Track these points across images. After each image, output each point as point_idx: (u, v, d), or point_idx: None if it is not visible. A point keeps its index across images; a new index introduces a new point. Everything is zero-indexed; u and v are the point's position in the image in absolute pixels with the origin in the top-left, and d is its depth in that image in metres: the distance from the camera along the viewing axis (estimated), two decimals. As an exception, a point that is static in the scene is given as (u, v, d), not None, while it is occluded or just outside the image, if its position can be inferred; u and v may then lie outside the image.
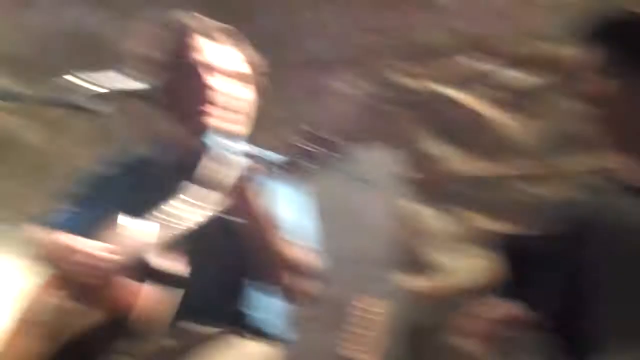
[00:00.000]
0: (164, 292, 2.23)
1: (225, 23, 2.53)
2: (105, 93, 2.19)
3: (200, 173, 2.26)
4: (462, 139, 4.27)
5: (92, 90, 2.19)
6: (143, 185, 2.49)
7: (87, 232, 2.48)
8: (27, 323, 2.45)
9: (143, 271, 2.23)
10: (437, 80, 4.35)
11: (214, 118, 2.44)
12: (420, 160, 4.31)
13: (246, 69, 2.53)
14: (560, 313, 2.33)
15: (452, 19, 4.36)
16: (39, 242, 2.52)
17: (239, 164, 2.19)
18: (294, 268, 2.37)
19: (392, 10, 4.48)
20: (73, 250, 2.26)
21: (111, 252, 2.24)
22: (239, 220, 2.26)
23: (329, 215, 4.20)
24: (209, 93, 2.44)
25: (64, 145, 5.27)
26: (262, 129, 4.49)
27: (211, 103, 2.44)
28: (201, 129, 2.44)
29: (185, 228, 2.21)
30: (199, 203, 2.23)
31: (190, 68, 2.44)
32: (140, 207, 2.37)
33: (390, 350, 3.82)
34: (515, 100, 4.20)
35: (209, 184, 2.21)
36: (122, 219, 2.30)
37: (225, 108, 2.46)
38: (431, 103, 4.35)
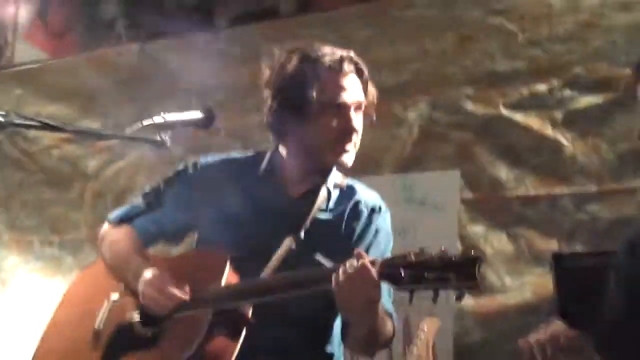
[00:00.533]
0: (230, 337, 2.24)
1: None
2: (162, 123, 2.25)
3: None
4: (525, 160, 4.24)
5: (151, 121, 2.25)
6: (236, 200, 2.48)
7: (162, 234, 2.58)
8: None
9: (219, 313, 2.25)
10: (502, 103, 4.34)
11: (347, 154, 2.44)
12: (482, 182, 4.30)
13: (364, 98, 2.50)
14: (614, 334, 2.33)
15: (521, 45, 4.37)
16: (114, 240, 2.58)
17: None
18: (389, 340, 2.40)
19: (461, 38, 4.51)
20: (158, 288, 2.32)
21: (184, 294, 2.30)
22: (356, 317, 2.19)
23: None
24: (349, 132, 2.41)
25: (120, 170, 5.36)
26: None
27: (348, 140, 2.42)
28: (331, 164, 2.47)
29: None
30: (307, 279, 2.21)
31: (328, 105, 2.40)
32: (231, 226, 2.43)
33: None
34: (577, 121, 4.18)
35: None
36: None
37: (354, 143, 2.46)
38: (495, 126, 4.34)
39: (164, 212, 2.56)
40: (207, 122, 2.39)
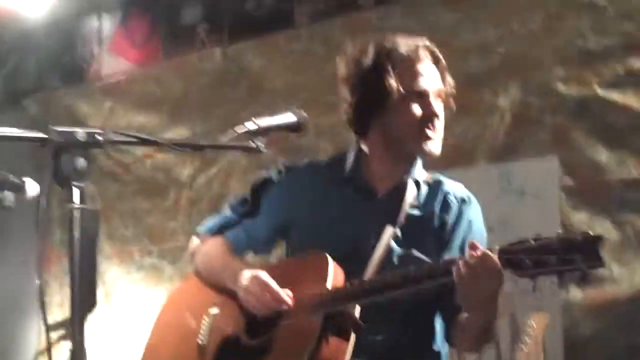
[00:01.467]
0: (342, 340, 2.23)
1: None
2: (256, 130, 2.24)
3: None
4: (625, 141, 4.10)
5: (244, 128, 2.24)
6: (326, 201, 2.48)
7: (254, 242, 2.57)
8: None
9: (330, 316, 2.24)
10: (596, 83, 4.20)
11: (432, 141, 2.42)
12: (582, 167, 4.17)
13: (443, 86, 2.47)
14: None
15: (612, 20, 4.21)
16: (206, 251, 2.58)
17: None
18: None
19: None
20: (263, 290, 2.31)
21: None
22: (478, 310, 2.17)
23: (488, 229, 4.17)
24: (431, 118, 2.40)
25: (213, 177, 5.39)
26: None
27: (432, 127, 2.41)
28: (416, 153, 2.45)
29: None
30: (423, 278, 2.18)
31: (408, 94, 2.39)
32: (324, 226, 2.43)
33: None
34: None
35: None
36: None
37: (438, 130, 2.44)
38: (591, 107, 4.20)
39: (254, 221, 2.57)
40: (299, 125, 2.35)
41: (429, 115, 2.38)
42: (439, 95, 2.43)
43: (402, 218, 2.38)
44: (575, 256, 1.87)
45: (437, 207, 2.44)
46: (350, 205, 2.45)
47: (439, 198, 2.46)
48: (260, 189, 2.61)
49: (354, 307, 2.25)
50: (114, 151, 5.70)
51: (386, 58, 2.40)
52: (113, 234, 5.63)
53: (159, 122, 5.54)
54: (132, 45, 5.92)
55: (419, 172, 2.50)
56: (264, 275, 2.34)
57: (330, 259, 2.30)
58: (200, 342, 2.44)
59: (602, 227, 4.04)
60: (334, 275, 2.28)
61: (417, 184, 2.46)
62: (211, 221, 2.67)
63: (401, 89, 2.37)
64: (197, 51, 5.59)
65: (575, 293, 4.01)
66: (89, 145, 1.86)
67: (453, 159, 4.44)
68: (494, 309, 2.14)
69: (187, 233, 5.35)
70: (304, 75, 4.98)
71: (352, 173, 2.49)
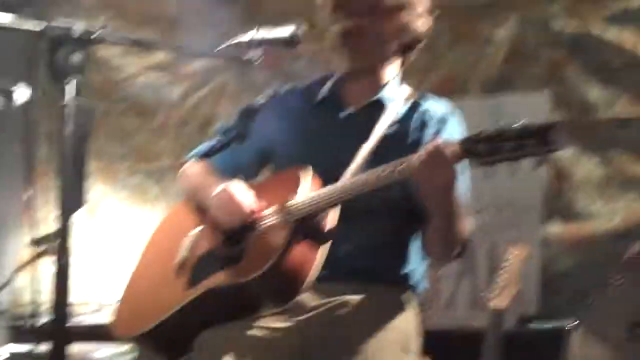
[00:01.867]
0: (313, 247, 2.23)
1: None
2: (249, 41, 2.22)
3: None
4: (618, 80, 4.09)
5: (237, 40, 2.22)
6: (306, 124, 2.50)
7: (238, 166, 2.56)
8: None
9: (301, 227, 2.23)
10: (595, 21, 4.18)
11: (350, 55, 2.42)
12: (574, 103, 4.16)
13: (427, 6, 2.51)
14: None
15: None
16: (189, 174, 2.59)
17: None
18: (462, 243, 2.33)
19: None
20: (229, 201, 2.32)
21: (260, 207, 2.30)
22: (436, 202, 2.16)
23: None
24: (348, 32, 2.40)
25: (203, 98, 5.36)
26: (406, 76, 4.50)
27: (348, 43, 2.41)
28: (385, 70, 2.48)
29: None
30: (385, 173, 2.18)
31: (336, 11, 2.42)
32: (303, 148, 2.43)
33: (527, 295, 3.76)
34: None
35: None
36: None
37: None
38: (587, 44, 4.19)
39: (241, 146, 2.57)
40: (293, 40, 2.33)
41: (348, 29, 2.42)
42: (355, 9, 2.44)
43: (376, 134, 2.39)
44: (530, 141, 1.88)
45: (413, 124, 2.44)
46: (327, 124, 2.46)
47: (417, 115, 2.46)
48: (247, 114, 2.62)
49: (327, 216, 2.26)
50: (103, 68, 5.65)
51: None
52: (99, 152, 5.56)
53: (154, 39, 5.44)
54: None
55: (395, 89, 2.50)
56: (233, 186, 2.35)
57: (306, 170, 2.31)
58: (179, 260, 2.45)
59: (589, 163, 4.06)
60: (308, 185, 2.29)
61: (393, 100, 2.46)
62: (200, 147, 2.68)
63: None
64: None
65: (556, 227, 4.03)
66: (87, 41, 1.84)
67: (446, 89, 4.43)
68: (449, 200, 2.14)
69: (174, 153, 5.34)
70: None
71: (329, 93, 2.50)
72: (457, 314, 4.02)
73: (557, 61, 4.23)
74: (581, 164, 4.07)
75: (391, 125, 2.42)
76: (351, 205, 2.26)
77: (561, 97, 4.17)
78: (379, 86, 2.48)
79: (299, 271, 2.20)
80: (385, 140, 2.39)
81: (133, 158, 5.53)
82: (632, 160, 3.98)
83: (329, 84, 2.51)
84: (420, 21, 2.49)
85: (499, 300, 2.94)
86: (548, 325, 3.55)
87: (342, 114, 2.47)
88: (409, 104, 2.48)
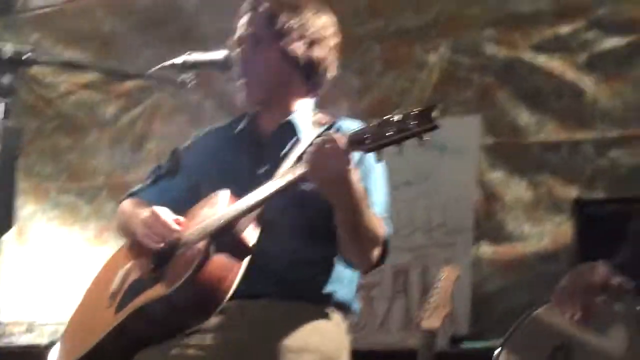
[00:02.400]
0: (232, 261, 2.26)
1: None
2: (182, 63, 2.23)
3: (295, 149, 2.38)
4: (547, 104, 4.17)
5: (171, 62, 2.24)
6: (225, 156, 2.55)
7: (169, 202, 2.55)
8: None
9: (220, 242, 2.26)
10: (524, 46, 4.27)
11: (242, 92, 2.48)
12: (504, 127, 4.24)
13: (323, 33, 2.51)
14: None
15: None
16: (120, 211, 2.62)
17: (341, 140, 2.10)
18: (380, 243, 2.35)
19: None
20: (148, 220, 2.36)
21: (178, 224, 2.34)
22: (334, 194, 2.19)
23: (407, 183, 4.20)
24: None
25: (137, 117, 5.34)
26: (340, 100, 4.53)
27: (239, 77, 2.47)
28: (293, 101, 2.52)
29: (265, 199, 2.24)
30: (286, 177, 2.24)
31: (276, 41, 2.44)
32: (223, 176, 2.46)
33: (459, 316, 3.81)
34: (600, 64, 4.10)
35: (308, 159, 2.17)
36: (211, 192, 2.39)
37: (246, 79, 2.48)
38: (517, 69, 4.27)
39: (169, 183, 2.62)
40: (227, 64, 2.37)
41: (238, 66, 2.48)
42: (241, 41, 2.49)
43: (290, 157, 2.42)
44: (411, 124, 1.94)
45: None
46: (244, 154, 2.51)
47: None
48: (176, 154, 2.66)
49: (246, 232, 2.29)
50: (36, 86, 5.59)
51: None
52: (30, 170, 5.51)
53: (86, 58, 5.41)
54: (63, -22, 5.79)
55: (306, 114, 2.53)
56: (158, 209, 2.38)
57: (225, 191, 2.36)
58: (111, 289, 2.47)
59: (518, 187, 4.13)
60: (225, 201, 2.33)
61: (304, 124, 2.50)
62: (133, 189, 2.72)
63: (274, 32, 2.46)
64: (130, -12, 5.51)
65: (486, 249, 4.09)
66: (17, 61, 1.82)
67: (378, 112, 4.47)
68: (347, 190, 2.14)
69: (107, 173, 5.31)
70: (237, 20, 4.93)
71: (245, 126, 2.56)
72: (390, 335, 4.04)
73: (488, 86, 4.31)
74: (511, 187, 4.15)
75: (301, 147, 2.45)
76: (273, 222, 2.30)
77: (492, 121, 4.25)
78: (289, 114, 2.52)
79: (219, 284, 2.22)
80: (297, 162, 2.40)
81: (64, 177, 5.47)
82: (559, 184, 4.05)
83: (245, 119, 2.57)
84: (312, 48, 2.50)
85: (431, 320, 2.96)
86: (479, 345, 3.58)
87: (257, 142, 2.52)
88: (323, 128, 2.50)
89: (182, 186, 2.59)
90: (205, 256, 2.22)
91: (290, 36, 2.46)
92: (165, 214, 2.36)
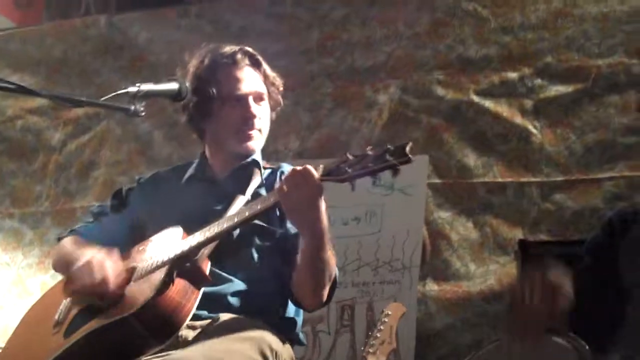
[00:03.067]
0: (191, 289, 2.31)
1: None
2: (136, 92, 2.25)
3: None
4: (493, 147, 4.27)
5: (125, 90, 2.25)
6: (174, 198, 2.65)
7: (111, 240, 2.61)
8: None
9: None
10: (472, 90, 4.37)
11: (252, 140, 2.62)
12: (450, 168, 4.31)
13: (265, 89, 2.67)
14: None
15: (493, 32, 4.40)
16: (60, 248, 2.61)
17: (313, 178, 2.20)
18: (331, 280, 2.43)
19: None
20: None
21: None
22: (304, 220, 2.28)
23: (356, 219, 4.23)
24: (250, 120, 2.60)
25: (85, 144, 5.30)
26: (290, 135, 4.57)
27: (250, 127, 2.61)
28: (237, 152, 2.63)
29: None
30: (252, 207, 2.32)
31: (228, 97, 2.59)
32: (172, 217, 2.53)
33: (404, 352, 3.85)
34: (546, 110, 4.20)
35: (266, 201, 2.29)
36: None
37: (258, 130, 2.63)
38: (465, 112, 4.36)
39: (112, 221, 2.71)
40: (180, 94, 2.40)
41: (247, 117, 2.59)
42: (259, 98, 2.63)
43: (248, 192, 2.55)
44: (386, 157, 2.07)
45: (275, 185, 2.57)
46: (195, 194, 2.62)
47: (277, 177, 2.65)
48: (118, 195, 2.78)
49: (205, 262, 2.38)
50: (-18, 110, 5.54)
51: (210, 66, 2.60)
52: (-27, 193, 5.45)
53: (34, 83, 5.36)
54: (14, 5, 5.77)
55: (259, 154, 2.70)
56: (96, 259, 2.39)
57: (177, 228, 2.46)
58: (55, 318, 2.49)
59: (464, 227, 4.18)
60: (179, 237, 2.42)
61: (258, 166, 2.65)
62: (75, 227, 2.78)
63: (221, 94, 2.58)
64: (83, 17, 5.49)
65: (432, 286, 4.13)
66: None
67: (327, 149, 4.54)
68: (317, 219, 2.25)
69: (52, 198, 5.26)
70: (187, 52, 4.93)
71: (195, 171, 2.70)
72: (336, 369, 4.07)
73: (436, 127, 4.39)
74: (457, 226, 4.20)
75: (259, 186, 2.61)
76: (234, 250, 2.42)
77: (439, 161, 4.33)
78: (243, 157, 2.65)
79: (178, 310, 2.26)
80: (253, 198, 2.53)
81: (8, 202, 5.40)
82: (505, 225, 4.12)
83: (194, 164, 2.72)
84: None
85: (377, 356, 2.99)
86: (423, 381, 3.63)
87: (211, 182, 2.65)
88: (269, 170, 2.69)
89: (125, 224, 2.66)
90: (169, 280, 2.28)
91: (279, 91, 2.71)
92: (103, 266, 2.36)
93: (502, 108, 4.28)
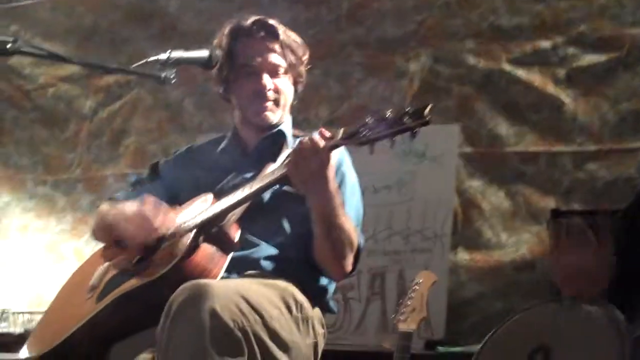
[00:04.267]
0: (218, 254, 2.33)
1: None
2: (166, 60, 2.26)
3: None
4: (525, 117, 4.24)
5: (155, 58, 2.26)
6: (207, 170, 2.65)
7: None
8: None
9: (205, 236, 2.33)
10: (504, 59, 4.34)
11: (266, 112, 2.59)
12: (482, 137, 4.31)
13: (282, 61, 2.62)
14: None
15: (524, 1, 4.36)
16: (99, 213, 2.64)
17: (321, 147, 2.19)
18: (354, 249, 2.42)
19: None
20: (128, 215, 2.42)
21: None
22: (311, 190, 2.28)
23: (387, 187, 4.23)
24: (262, 92, 2.57)
25: (116, 112, 5.34)
26: (320, 104, 4.57)
27: (263, 100, 2.58)
28: (254, 123, 2.63)
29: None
30: (267, 178, 2.34)
31: (242, 69, 2.58)
32: (205, 187, 2.54)
33: (434, 321, 3.86)
34: (579, 79, 4.17)
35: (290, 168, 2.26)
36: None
37: (274, 101, 2.60)
38: (496, 81, 4.33)
39: (148, 190, 2.68)
40: (210, 61, 2.41)
41: (259, 90, 2.57)
42: (274, 71, 2.59)
43: (279, 160, 2.53)
44: (404, 119, 2.03)
45: None
46: (228, 165, 2.63)
47: None
48: (155, 167, 2.79)
49: (235, 227, 2.39)
50: (14, 77, 5.56)
51: (228, 39, 2.59)
52: (7, 160, 5.50)
53: (66, 51, 5.37)
54: (45, -28, 5.76)
55: (289, 124, 2.70)
56: (142, 204, 2.43)
57: (208, 194, 2.48)
58: (91, 282, 2.53)
59: (496, 196, 4.19)
60: (210, 200, 2.44)
61: (284, 136, 2.65)
62: (112, 195, 2.80)
63: (237, 65, 2.57)
64: (113, -16, 5.50)
65: (463, 255, 4.15)
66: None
67: (357, 118, 4.50)
68: (325, 186, 2.25)
69: (84, 166, 5.31)
70: (218, 21, 4.93)
71: (228, 142, 2.71)
72: (366, 336, 4.08)
73: (468, 96, 4.38)
74: (489, 196, 4.21)
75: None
76: (264, 216, 2.42)
77: (471, 130, 4.33)
78: (272, 127, 2.65)
79: (204, 275, 2.26)
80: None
81: (41, 169, 5.46)
82: (537, 194, 4.13)
83: (228, 136, 2.72)
84: (303, 70, 2.70)
85: (408, 323, 3.00)
86: (454, 349, 3.63)
87: (242, 154, 2.65)
88: (301, 138, 2.61)
89: (162, 193, 2.65)
90: (195, 245, 2.30)
91: (302, 62, 2.65)
92: (151, 208, 2.40)
93: (534, 77, 4.25)
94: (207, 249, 2.31)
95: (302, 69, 2.67)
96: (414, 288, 3.10)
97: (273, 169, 2.42)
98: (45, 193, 5.39)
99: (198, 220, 2.36)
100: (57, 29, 5.54)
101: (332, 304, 2.59)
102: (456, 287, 4.10)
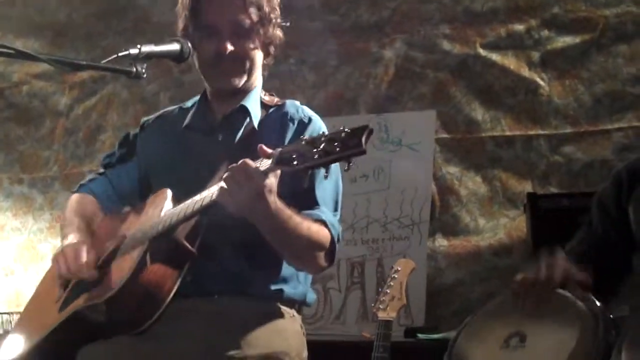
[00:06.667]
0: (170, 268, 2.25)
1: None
2: (137, 54, 2.22)
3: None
4: (501, 101, 4.24)
5: (126, 52, 2.22)
6: (172, 145, 2.54)
7: (120, 194, 2.63)
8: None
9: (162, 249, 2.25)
10: (479, 43, 4.33)
11: (228, 77, 2.44)
12: (458, 122, 4.29)
13: (250, 21, 2.43)
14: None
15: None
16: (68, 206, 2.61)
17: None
18: (324, 247, 2.33)
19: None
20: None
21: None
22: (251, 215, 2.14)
23: (364, 176, 4.22)
24: (222, 54, 2.39)
25: (91, 108, 5.30)
26: (296, 93, 4.54)
27: (224, 63, 2.41)
28: (215, 89, 2.50)
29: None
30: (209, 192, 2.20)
31: (204, 30, 2.42)
32: (171, 169, 2.48)
33: (414, 308, 3.86)
34: (554, 62, 4.16)
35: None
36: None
37: (239, 63, 2.44)
38: (471, 66, 4.32)
39: (117, 173, 2.64)
40: (182, 55, 2.34)
41: (220, 52, 2.39)
42: (237, 31, 2.41)
43: (239, 136, 2.43)
44: (336, 147, 1.85)
45: (275, 127, 2.45)
46: (194, 140, 2.50)
47: (279, 119, 2.48)
48: (125, 141, 2.67)
49: (188, 233, 2.27)
50: (-14, 76, 5.53)
51: None
52: (-19, 159, 5.47)
53: (39, 47, 5.34)
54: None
55: (257, 97, 2.52)
56: (78, 245, 2.36)
57: (168, 192, 2.36)
58: (57, 293, 2.47)
59: (473, 182, 4.18)
60: (167, 205, 2.33)
61: (252, 108, 2.48)
62: (85, 179, 2.71)
63: (196, 26, 2.41)
64: (85, -22, 5.46)
65: (441, 242, 4.14)
66: None
67: (334, 106, 4.52)
68: (267, 209, 2.09)
69: (60, 163, 5.27)
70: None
71: (195, 113, 2.55)
72: (347, 326, 4.07)
73: (443, 81, 4.36)
74: (466, 181, 4.20)
75: (251, 131, 2.45)
76: (219, 224, 2.25)
77: (446, 116, 4.31)
78: (244, 96, 2.49)
79: (156, 291, 2.20)
80: (249, 141, 2.38)
81: (17, 167, 5.41)
82: (514, 178, 4.12)
83: (194, 107, 2.56)
84: (278, 30, 2.50)
85: (387, 312, 3.00)
86: (435, 336, 3.63)
87: (210, 127, 2.50)
88: (271, 108, 2.52)
89: (134, 175, 2.60)
90: (141, 264, 2.20)
91: (271, 22, 2.45)
92: (75, 253, 2.32)
93: (509, 61, 4.25)
94: (159, 263, 2.22)
95: (272, 29, 2.46)
96: (392, 276, 3.10)
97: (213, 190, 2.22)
98: (22, 192, 5.35)
99: (148, 234, 2.27)
100: (31, 25, 5.49)
101: (308, 297, 2.51)
102: (435, 274, 4.09)
